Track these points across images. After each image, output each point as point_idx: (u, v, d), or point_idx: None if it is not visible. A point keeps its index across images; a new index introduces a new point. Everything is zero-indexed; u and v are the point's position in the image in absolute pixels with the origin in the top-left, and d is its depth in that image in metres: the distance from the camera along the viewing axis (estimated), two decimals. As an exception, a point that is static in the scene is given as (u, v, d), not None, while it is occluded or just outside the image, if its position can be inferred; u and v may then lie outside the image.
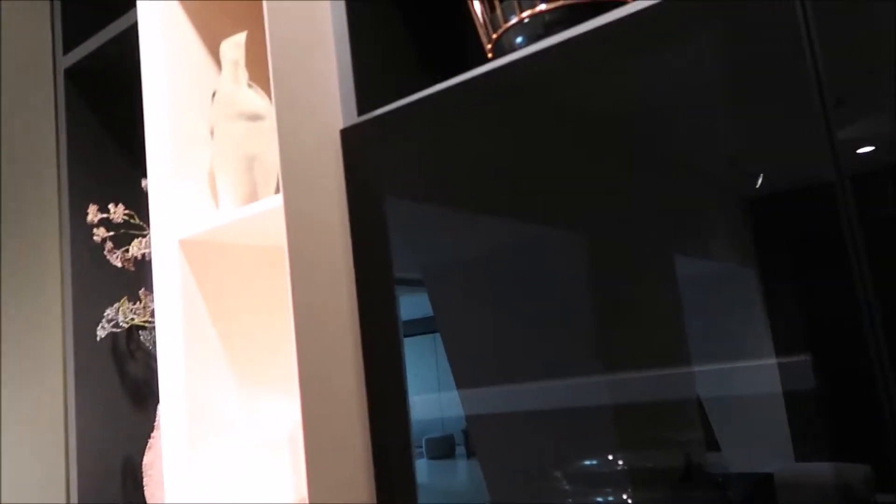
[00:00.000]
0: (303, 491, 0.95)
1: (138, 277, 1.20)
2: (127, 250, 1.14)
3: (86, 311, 1.23)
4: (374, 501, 0.73)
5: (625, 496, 0.65)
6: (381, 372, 0.75)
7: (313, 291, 0.76)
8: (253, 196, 0.92)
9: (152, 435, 1.14)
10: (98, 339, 1.18)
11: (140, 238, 1.15)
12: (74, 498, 1.19)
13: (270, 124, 0.94)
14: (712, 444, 0.61)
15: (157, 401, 1.18)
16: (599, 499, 0.67)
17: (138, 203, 1.16)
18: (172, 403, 0.88)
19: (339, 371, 0.75)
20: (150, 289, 1.13)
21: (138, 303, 1.19)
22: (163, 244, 0.93)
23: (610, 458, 0.66)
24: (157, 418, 1.14)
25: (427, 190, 0.78)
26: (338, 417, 0.73)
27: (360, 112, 0.82)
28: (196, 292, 0.91)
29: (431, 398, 0.76)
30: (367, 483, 0.72)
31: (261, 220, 0.89)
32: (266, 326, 0.97)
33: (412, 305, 0.77)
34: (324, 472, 0.72)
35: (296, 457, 0.92)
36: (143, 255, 1.13)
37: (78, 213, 1.22)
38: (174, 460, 0.86)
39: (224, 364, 0.91)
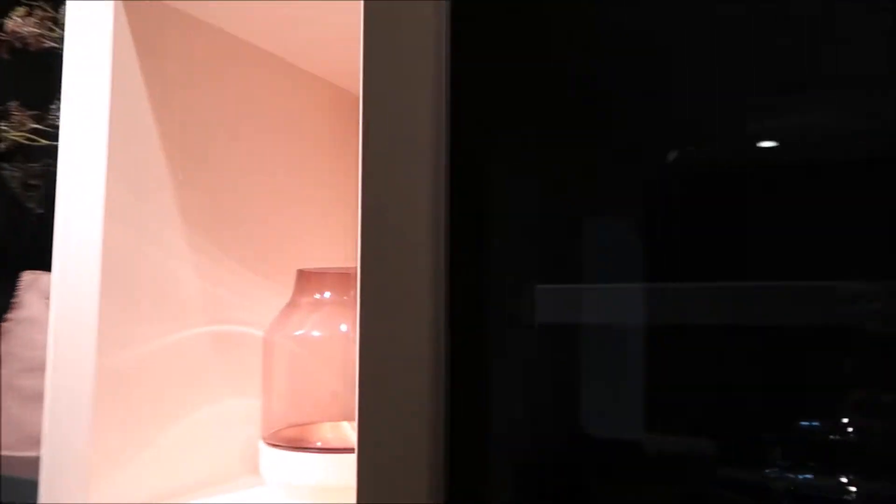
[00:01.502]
0: (276, 411, 0.59)
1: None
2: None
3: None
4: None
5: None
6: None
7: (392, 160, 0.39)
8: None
9: (6, 317, 0.75)
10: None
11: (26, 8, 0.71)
12: None
13: None
14: None
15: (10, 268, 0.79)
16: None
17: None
18: (77, 260, 0.50)
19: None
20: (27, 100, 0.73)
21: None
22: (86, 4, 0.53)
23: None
24: (20, 288, 0.75)
25: None
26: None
27: None
28: (140, 90, 0.51)
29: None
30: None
31: None
32: (252, 169, 0.59)
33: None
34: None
35: (270, 363, 0.56)
36: (26, 35, 0.70)
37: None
38: (73, 359, 0.49)
39: (173, 212, 0.54)
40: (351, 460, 0.49)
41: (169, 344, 0.53)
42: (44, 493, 0.47)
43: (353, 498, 0.49)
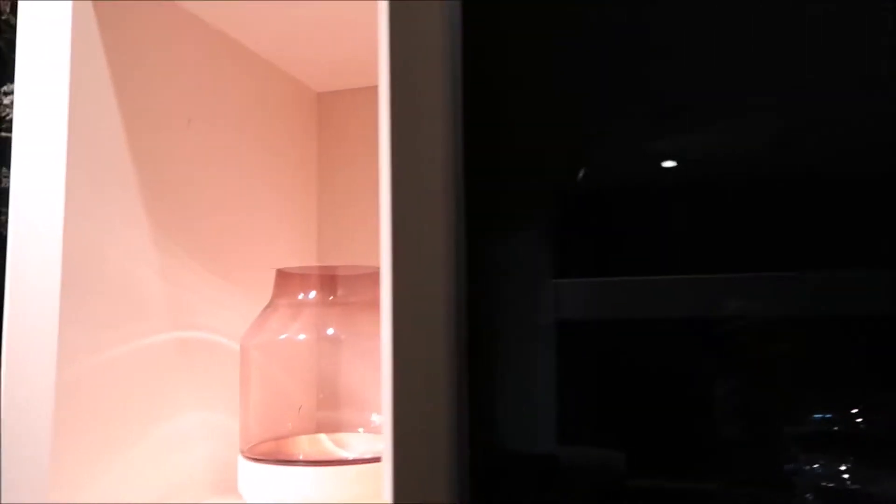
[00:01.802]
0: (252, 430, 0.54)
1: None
2: None
3: None
4: None
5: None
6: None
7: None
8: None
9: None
10: None
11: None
12: None
13: None
14: None
15: None
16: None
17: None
18: (34, 261, 0.43)
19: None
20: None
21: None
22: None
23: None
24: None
25: None
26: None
27: None
28: (102, 76, 0.44)
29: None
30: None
31: None
32: (215, 167, 0.53)
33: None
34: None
35: (248, 371, 0.51)
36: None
37: None
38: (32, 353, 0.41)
39: (137, 211, 0.46)
40: (335, 474, 0.46)
41: (133, 350, 0.48)
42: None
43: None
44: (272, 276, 0.63)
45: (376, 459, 0.48)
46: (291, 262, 0.65)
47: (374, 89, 0.69)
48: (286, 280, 0.52)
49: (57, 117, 0.44)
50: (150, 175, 0.50)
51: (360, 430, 0.53)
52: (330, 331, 0.50)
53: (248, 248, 0.60)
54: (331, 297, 0.51)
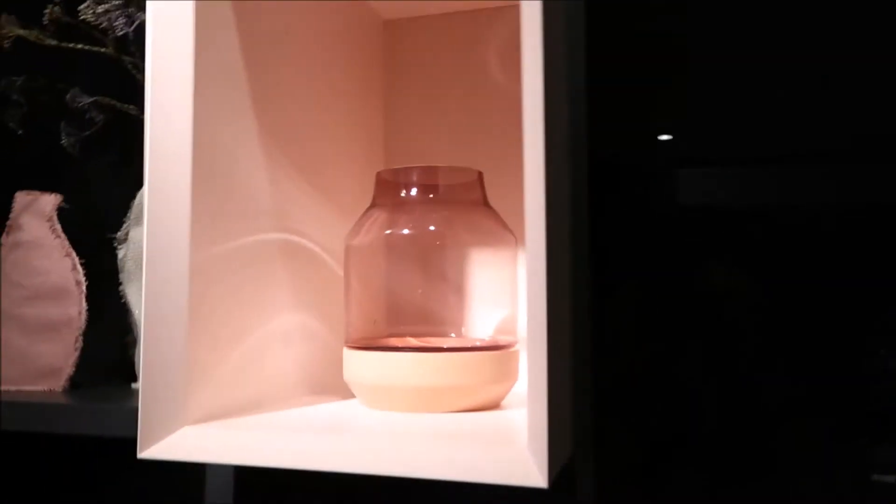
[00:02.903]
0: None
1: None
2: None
3: None
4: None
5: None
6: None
7: None
8: None
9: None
10: None
11: None
12: None
13: None
14: None
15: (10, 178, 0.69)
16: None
17: None
18: (169, 161, 0.44)
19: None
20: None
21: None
22: None
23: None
24: (14, 210, 0.66)
25: None
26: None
27: None
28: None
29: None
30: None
31: None
32: (304, 91, 0.53)
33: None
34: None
35: (352, 268, 0.52)
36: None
37: None
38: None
39: (251, 121, 0.47)
40: (441, 360, 0.48)
41: (245, 245, 0.50)
42: (144, 396, 0.42)
43: (447, 401, 0.48)
44: (355, 201, 0.64)
45: (476, 349, 0.50)
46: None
47: (442, 17, 0.70)
48: (386, 181, 0.53)
49: (185, 29, 0.45)
50: (259, 90, 0.51)
51: (452, 335, 0.55)
52: (432, 227, 0.52)
53: (334, 169, 0.62)
54: (431, 196, 0.52)
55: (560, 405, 0.39)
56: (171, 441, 0.42)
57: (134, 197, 0.70)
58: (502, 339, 0.53)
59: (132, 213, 0.70)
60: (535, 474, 0.34)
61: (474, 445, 0.37)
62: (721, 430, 0.65)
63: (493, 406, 0.51)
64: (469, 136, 0.68)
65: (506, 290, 0.53)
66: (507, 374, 0.50)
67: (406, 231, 0.52)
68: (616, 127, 0.67)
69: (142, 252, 0.68)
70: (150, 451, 0.41)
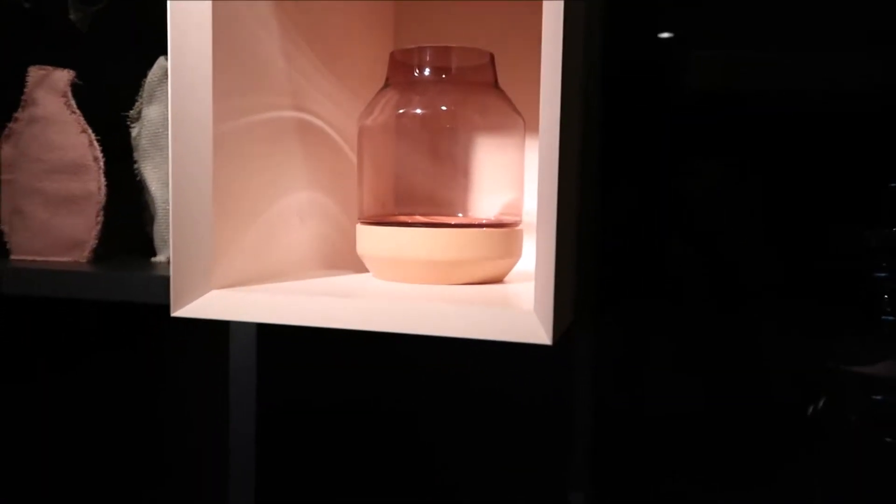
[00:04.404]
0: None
1: None
2: None
3: None
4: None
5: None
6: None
7: None
8: None
9: (14, 116, 0.66)
10: None
11: None
12: None
13: None
14: None
15: (18, 53, 0.68)
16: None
17: None
18: (189, 38, 0.43)
19: None
20: None
21: None
22: None
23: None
24: (28, 85, 0.65)
25: None
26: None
27: None
28: None
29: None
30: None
31: None
32: None
33: None
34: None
35: (365, 147, 0.53)
36: None
37: None
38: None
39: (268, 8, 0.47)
40: (450, 235, 0.49)
41: (260, 121, 0.50)
42: (175, 267, 0.44)
43: (454, 274, 0.50)
44: (364, 85, 0.64)
45: (482, 225, 0.52)
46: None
47: None
48: (400, 62, 0.53)
49: None
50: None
51: (459, 214, 0.57)
52: (443, 108, 0.52)
53: (347, 51, 0.61)
54: (443, 77, 0.52)
55: (564, 274, 0.41)
56: (200, 302, 0.44)
57: (145, 75, 0.70)
58: (507, 219, 0.54)
59: (144, 92, 0.69)
60: (540, 333, 0.36)
61: (484, 308, 0.40)
62: (711, 308, 0.68)
63: (497, 281, 0.53)
64: (479, 17, 0.67)
65: (513, 172, 0.55)
66: (510, 251, 0.53)
67: (418, 111, 0.52)
68: (629, 13, 0.66)
69: (156, 130, 0.69)
70: (182, 310, 0.44)
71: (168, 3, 0.43)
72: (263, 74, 0.50)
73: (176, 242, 0.44)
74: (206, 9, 0.44)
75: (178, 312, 0.44)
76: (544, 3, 0.37)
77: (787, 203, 0.65)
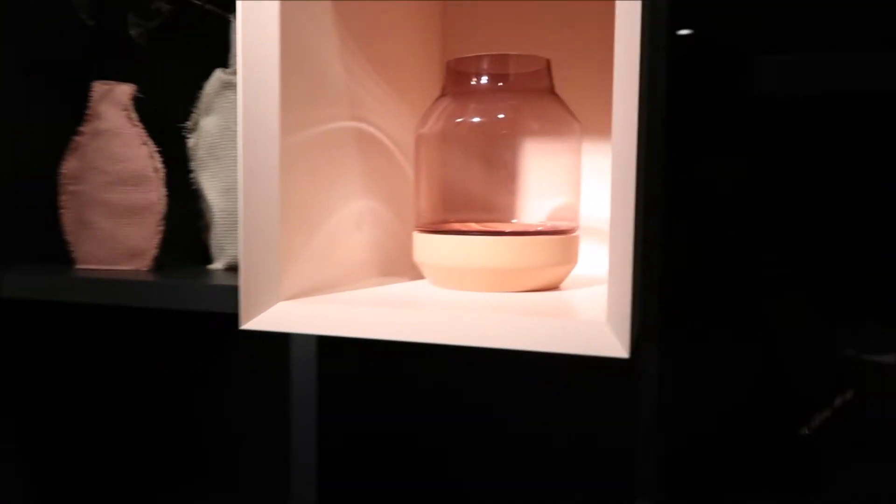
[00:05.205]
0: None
1: None
2: None
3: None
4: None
5: None
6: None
7: None
8: None
9: (79, 129, 0.67)
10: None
11: None
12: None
13: None
14: None
15: (82, 69, 0.69)
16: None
17: None
18: (259, 53, 0.44)
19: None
20: None
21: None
22: None
23: None
24: (92, 99, 0.67)
25: None
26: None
27: None
28: None
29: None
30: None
31: None
32: None
33: None
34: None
35: (422, 156, 0.53)
36: None
37: None
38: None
39: (330, 22, 0.48)
40: (509, 243, 0.49)
41: (323, 132, 0.50)
42: (244, 270, 0.45)
43: (513, 281, 0.50)
44: (418, 95, 0.63)
45: (540, 232, 0.51)
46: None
47: None
48: (456, 70, 0.53)
49: None
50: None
51: (514, 220, 0.56)
52: (500, 116, 0.52)
53: (400, 62, 0.61)
54: (500, 84, 0.52)
55: (639, 283, 0.40)
56: (269, 314, 0.44)
57: (201, 87, 0.70)
58: (564, 224, 0.54)
59: (201, 103, 0.70)
60: (615, 345, 0.36)
61: (553, 318, 0.39)
62: (774, 314, 0.66)
63: (553, 288, 0.53)
64: (527, 20, 0.67)
65: (570, 178, 0.54)
66: (568, 258, 0.52)
67: (475, 119, 0.52)
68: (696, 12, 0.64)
69: (213, 141, 0.70)
70: (250, 323, 0.44)
71: (237, 14, 0.44)
72: (325, 84, 0.50)
73: (245, 253, 0.44)
74: (274, 20, 0.44)
75: (247, 325, 0.44)
76: (617, 3, 0.36)
77: (862, 218, 0.63)
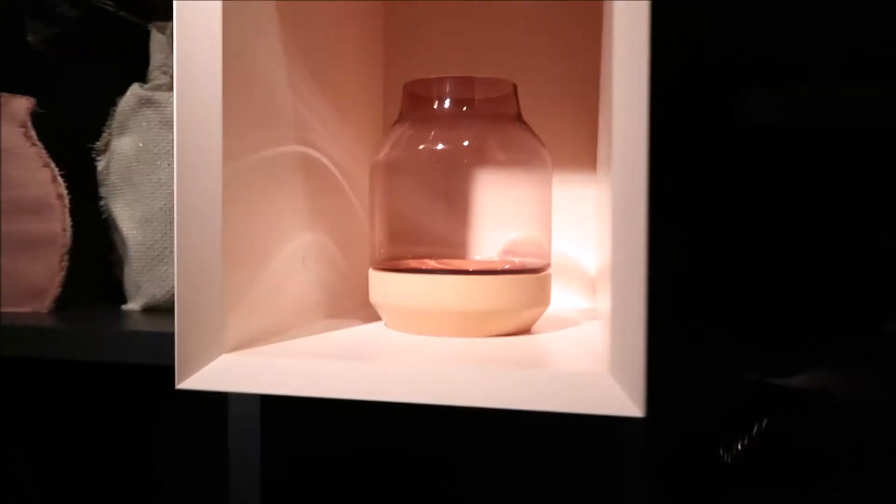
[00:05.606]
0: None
1: None
2: None
3: None
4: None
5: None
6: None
7: None
8: None
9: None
10: None
11: None
12: None
13: None
14: None
15: None
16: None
17: None
18: (198, 71, 0.37)
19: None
20: None
21: None
22: None
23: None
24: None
25: None
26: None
27: None
28: None
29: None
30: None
31: None
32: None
33: None
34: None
35: (378, 186, 0.47)
36: None
37: None
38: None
39: (277, 42, 0.40)
40: (482, 283, 0.44)
41: (266, 158, 0.44)
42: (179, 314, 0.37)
43: (484, 325, 0.45)
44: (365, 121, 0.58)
45: (511, 271, 0.46)
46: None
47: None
48: (415, 93, 0.48)
49: None
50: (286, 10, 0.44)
51: (477, 257, 0.52)
52: (465, 143, 0.47)
53: (345, 84, 0.55)
54: (464, 109, 0.47)
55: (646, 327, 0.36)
56: (209, 370, 0.37)
57: (114, 103, 0.62)
58: (535, 262, 0.49)
59: (114, 122, 0.61)
60: (627, 403, 0.31)
61: (543, 371, 0.34)
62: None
63: (525, 332, 0.48)
64: (476, 43, 0.63)
65: (540, 212, 0.50)
66: (541, 299, 0.48)
67: (439, 146, 0.47)
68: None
69: (128, 164, 0.61)
70: (188, 381, 0.37)
71: (174, 22, 0.37)
72: (270, 102, 0.44)
73: (182, 297, 0.37)
74: (217, 32, 0.37)
75: (185, 383, 0.37)
76: (615, 4, 0.32)
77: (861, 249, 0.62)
